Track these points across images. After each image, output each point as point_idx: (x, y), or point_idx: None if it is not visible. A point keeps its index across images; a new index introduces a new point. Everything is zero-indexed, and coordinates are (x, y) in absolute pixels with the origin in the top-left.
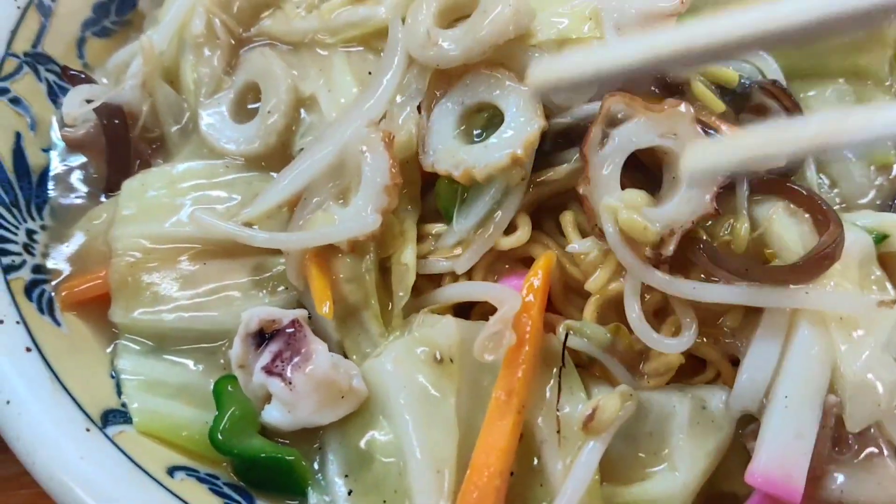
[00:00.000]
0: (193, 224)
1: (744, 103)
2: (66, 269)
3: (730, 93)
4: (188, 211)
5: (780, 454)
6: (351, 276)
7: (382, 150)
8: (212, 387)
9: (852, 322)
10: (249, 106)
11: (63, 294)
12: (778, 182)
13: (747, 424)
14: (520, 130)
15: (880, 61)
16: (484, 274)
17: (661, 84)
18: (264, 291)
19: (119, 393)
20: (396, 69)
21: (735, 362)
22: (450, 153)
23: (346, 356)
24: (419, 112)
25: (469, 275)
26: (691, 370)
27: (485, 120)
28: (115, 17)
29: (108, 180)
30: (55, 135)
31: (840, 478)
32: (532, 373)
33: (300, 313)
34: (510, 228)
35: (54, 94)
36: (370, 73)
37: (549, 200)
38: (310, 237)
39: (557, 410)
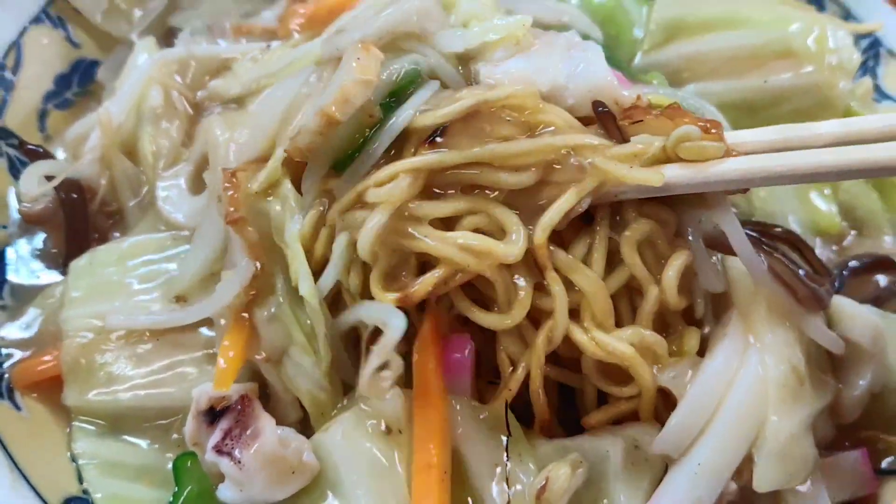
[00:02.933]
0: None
1: None
2: (23, 349)
3: None
4: (138, 287)
5: None
6: (270, 317)
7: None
8: (170, 464)
9: (789, 396)
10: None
11: (19, 376)
12: None
13: None
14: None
15: None
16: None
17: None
18: None
19: (80, 478)
20: None
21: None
22: None
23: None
24: None
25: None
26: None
27: None
28: (77, 89)
29: (67, 256)
30: (14, 209)
31: None
32: (447, 437)
33: (249, 387)
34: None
35: (14, 168)
36: None
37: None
38: (200, 309)
39: (507, 484)
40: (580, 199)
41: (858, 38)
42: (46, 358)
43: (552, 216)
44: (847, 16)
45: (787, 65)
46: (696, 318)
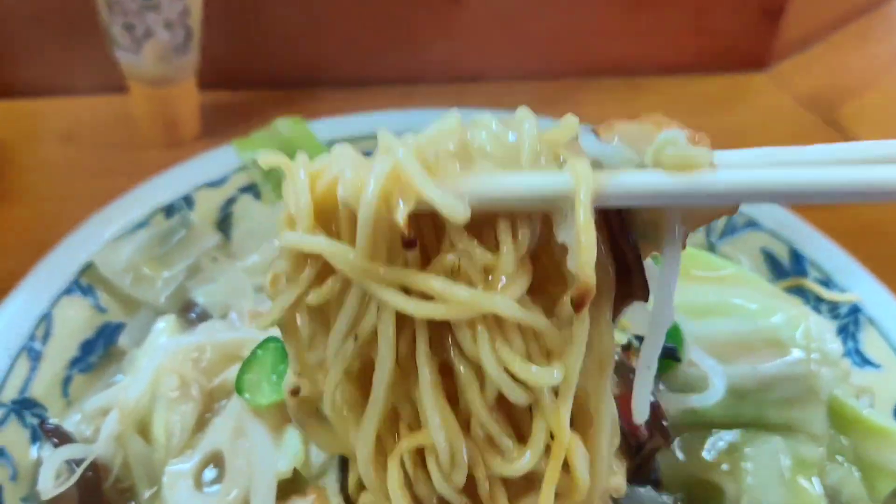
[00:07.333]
0: None
1: None
2: None
3: None
4: None
5: None
6: None
7: None
8: None
9: None
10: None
11: None
12: None
13: None
14: None
15: (813, 416)
16: None
17: None
18: None
19: None
20: None
21: None
22: None
23: None
24: None
25: None
26: None
27: None
28: (101, 352)
29: None
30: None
31: None
32: None
33: None
34: None
35: (36, 437)
36: None
37: None
38: None
39: None
40: None
41: (839, 305)
42: None
43: None
44: (828, 282)
45: (775, 353)
46: None
